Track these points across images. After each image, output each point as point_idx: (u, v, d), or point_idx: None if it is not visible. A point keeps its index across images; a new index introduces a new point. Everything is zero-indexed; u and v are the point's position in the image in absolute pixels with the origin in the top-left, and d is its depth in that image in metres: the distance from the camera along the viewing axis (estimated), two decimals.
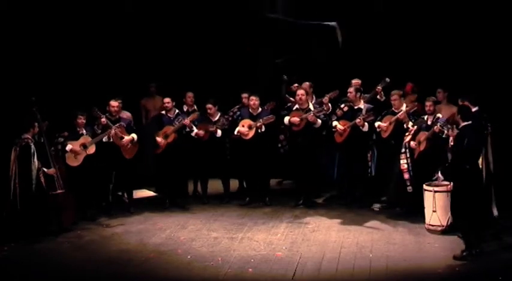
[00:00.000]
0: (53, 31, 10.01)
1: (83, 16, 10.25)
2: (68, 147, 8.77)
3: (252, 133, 9.38)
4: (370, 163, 9.32)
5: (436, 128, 8.27)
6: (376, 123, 9.06)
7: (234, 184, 10.08)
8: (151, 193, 10.44)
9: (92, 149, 8.85)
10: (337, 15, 10.83)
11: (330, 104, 9.70)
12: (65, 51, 10.18)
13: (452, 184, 7.26)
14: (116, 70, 10.66)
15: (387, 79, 9.56)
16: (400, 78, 9.63)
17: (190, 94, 10.04)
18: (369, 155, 9.31)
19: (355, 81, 9.71)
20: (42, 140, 8.36)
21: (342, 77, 10.07)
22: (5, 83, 9.33)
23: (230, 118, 9.81)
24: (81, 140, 8.85)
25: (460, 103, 7.92)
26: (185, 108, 9.99)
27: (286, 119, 9.40)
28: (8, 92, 9.28)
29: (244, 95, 9.88)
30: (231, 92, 10.37)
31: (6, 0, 9.55)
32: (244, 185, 9.94)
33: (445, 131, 8.20)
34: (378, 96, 9.66)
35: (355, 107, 9.27)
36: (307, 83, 9.91)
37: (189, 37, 11.16)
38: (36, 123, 8.25)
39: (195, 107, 10.00)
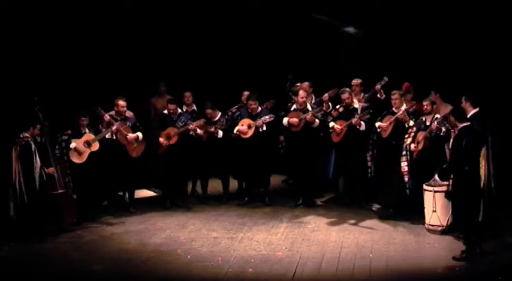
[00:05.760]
0: (57, 30, 9.97)
1: (86, 15, 10.22)
2: (72, 145, 8.77)
3: (251, 132, 9.37)
4: (370, 163, 9.30)
5: (434, 125, 8.28)
6: (377, 124, 9.05)
7: (233, 184, 10.07)
8: (151, 193, 10.44)
9: (95, 146, 8.86)
10: (337, 15, 10.83)
11: (329, 103, 9.70)
12: (69, 51, 10.14)
13: (450, 184, 7.24)
14: (119, 69, 10.60)
15: (385, 78, 9.55)
16: (399, 77, 9.61)
17: (187, 94, 9.99)
18: (368, 155, 9.30)
19: (355, 82, 9.71)
20: (43, 140, 8.36)
21: (341, 77, 10.08)
22: (8, 82, 9.31)
23: (229, 118, 9.79)
24: (85, 137, 8.85)
25: (464, 103, 7.83)
26: (184, 108, 9.95)
27: (285, 120, 9.40)
28: (11, 91, 9.26)
29: (246, 93, 9.88)
30: (232, 90, 10.34)
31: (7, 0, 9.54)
32: (243, 185, 9.92)
33: (443, 129, 8.21)
34: (378, 95, 9.65)
35: (351, 107, 9.28)
36: (307, 82, 9.90)
37: (191, 35, 11.13)
38: (38, 125, 8.27)
39: (194, 107, 9.99)
